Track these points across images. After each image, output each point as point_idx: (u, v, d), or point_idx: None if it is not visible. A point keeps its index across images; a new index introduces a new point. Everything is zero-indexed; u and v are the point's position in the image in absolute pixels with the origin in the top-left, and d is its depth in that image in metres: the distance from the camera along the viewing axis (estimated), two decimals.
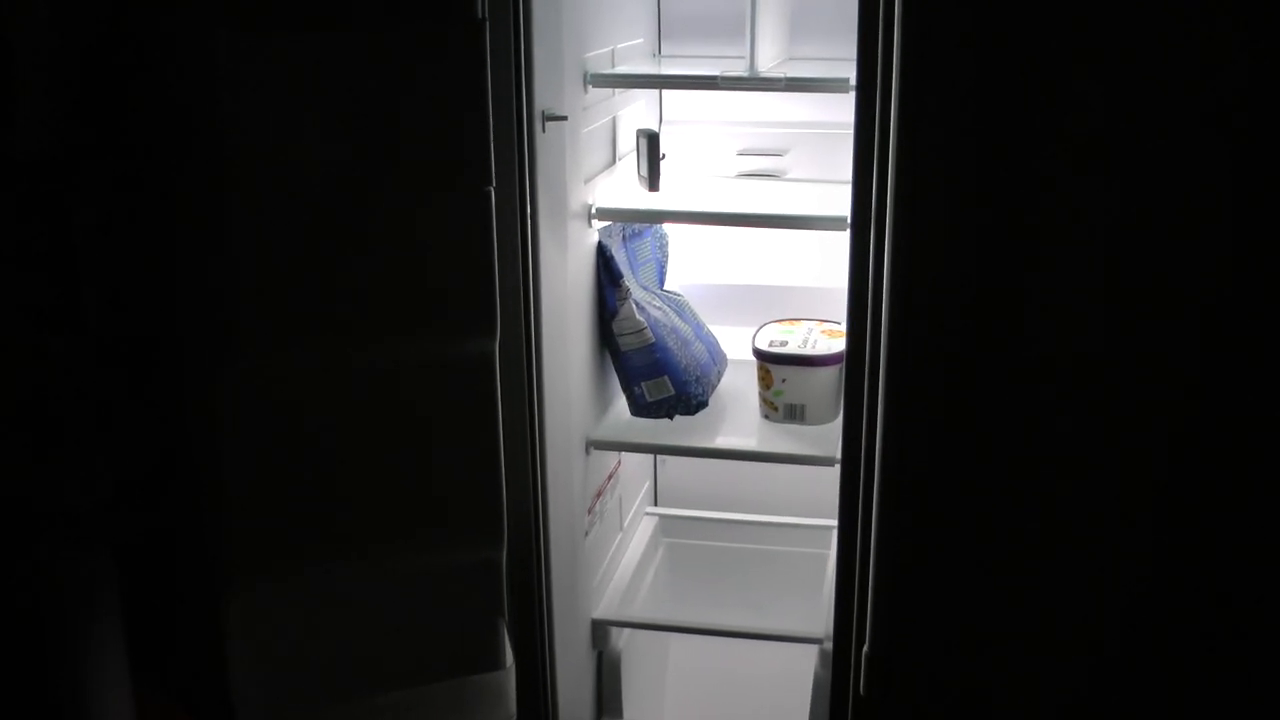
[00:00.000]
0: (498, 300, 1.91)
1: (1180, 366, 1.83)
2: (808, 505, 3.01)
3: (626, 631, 2.78)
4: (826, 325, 2.74)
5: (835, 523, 2.12)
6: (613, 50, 2.58)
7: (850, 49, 1.86)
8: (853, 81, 1.90)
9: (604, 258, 2.56)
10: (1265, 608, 1.92)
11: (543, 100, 2.09)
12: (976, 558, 1.98)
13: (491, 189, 1.86)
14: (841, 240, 2.01)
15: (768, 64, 2.41)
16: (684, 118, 3.00)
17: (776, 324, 2.76)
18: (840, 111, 2.03)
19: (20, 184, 1.79)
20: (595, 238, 2.55)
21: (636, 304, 2.58)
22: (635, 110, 2.84)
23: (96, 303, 1.88)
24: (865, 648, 2.01)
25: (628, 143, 2.76)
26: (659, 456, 3.25)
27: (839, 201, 2.20)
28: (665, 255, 2.88)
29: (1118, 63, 1.72)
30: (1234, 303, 1.79)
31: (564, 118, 2.18)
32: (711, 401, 2.69)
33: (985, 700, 2.06)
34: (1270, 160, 1.72)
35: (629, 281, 2.61)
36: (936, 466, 1.94)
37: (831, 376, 2.58)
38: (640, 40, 2.81)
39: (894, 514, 1.93)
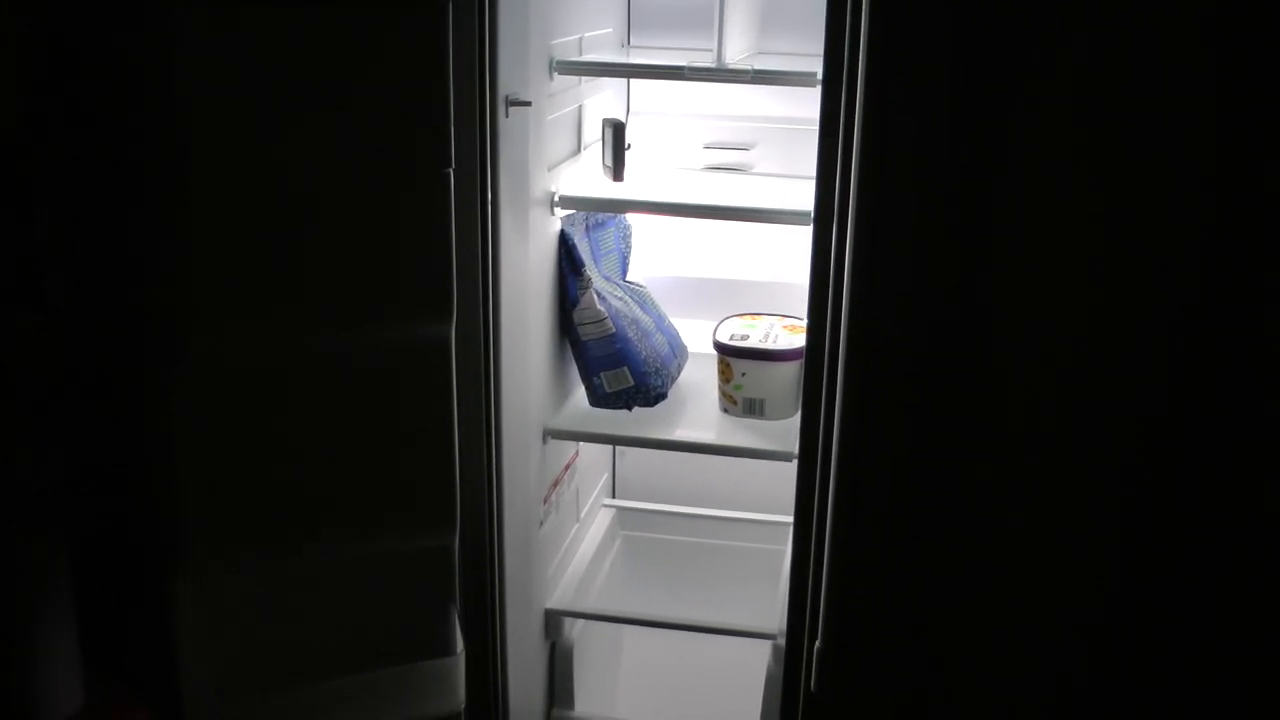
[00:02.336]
0: (454, 284, 1.90)
1: (1154, 365, 1.83)
2: (766, 501, 3.01)
3: (580, 623, 2.78)
4: (788, 320, 2.73)
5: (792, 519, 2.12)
6: (580, 38, 2.57)
7: (819, 45, 1.85)
8: (819, 75, 1.89)
9: (566, 246, 2.55)
10: (1222, 624, 1.93)
11: (507, 85, 2.07)
12: (930, 557, 1.97)
13: (450, 171, 1.85)
14: (805, 235, 2.00)
15: (736, 57, 2.40)
16: (651, 109, 2.99)
17: (738, 318, 2.75)
18: (808, 107, 2.03)
19: None
20: (558, 226, 2.54)
21: (598, 294, 2.57)
22: (602, 100, 2.83)
23: (57, 283, 1.87)
24: (817, 643, 2.00)
25: (593, 132, 2.75)
26: (618, 449, 3.25)
27: (804, 196, 2.20)
28: (628, 246, 2.87)
29: (1090, 58, 1.71)
30: (1211, 304, 1.79)
31: (528, 103, 2.16)
32: (671, 394, 2.69)
33: (935, 699, 2.06)
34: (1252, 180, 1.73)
35: (591, 271, 2.60)
36: (894, 464, 1.93)
37: (792, 372, 2.57)
38: (609, 30, 2.80)
39: (849, 511, 1.92)
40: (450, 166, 1.85)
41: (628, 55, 2.86)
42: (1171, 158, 1.74)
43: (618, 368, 2.57)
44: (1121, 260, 1.79)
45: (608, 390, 2.60)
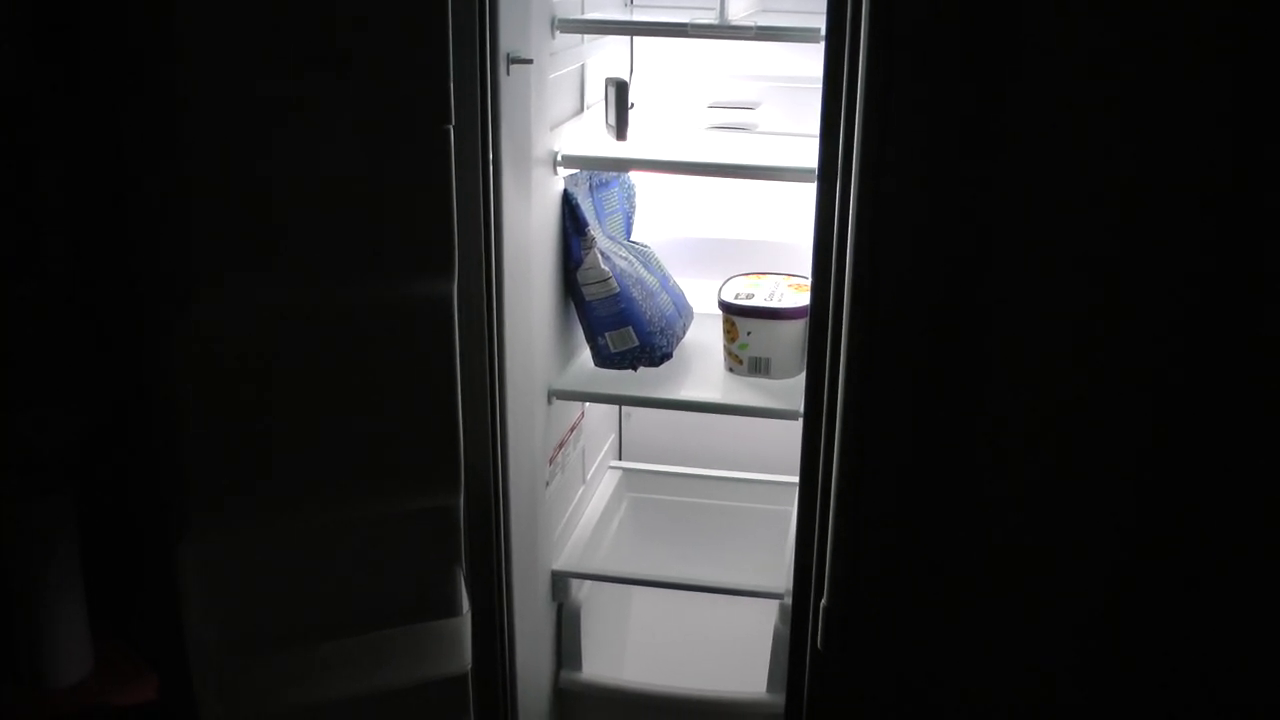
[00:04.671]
0: (455, 240, 1.90)
1: (1165, 323, 1.82)
2: (773, 462, 3.00)
3: (587, 584, 2.78)
4: (794, 279, 2.72)
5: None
6: None
7: (823, 3, 1.83)
8: (823, 31, 1.88)
9: (569, 206, 2.54)
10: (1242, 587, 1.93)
11: (508, 42, 2.06)
12: (936, 515, 1.97)
13: (450, 127, 1.85)
14: (811, 194, 1.98)
15: (740, 14, 2.38)
16: (655, 68, 2.97)
17: (743, 277, 2.74)
18: (813, 64, 2.01)
19: None
20: (561, 186, 2.53)
21: (602, 253, 2.56)
22: (605, 58, 2.82)
23: (59, 249, 1.87)
24: (823, 601, 2.00)
25: (596, 92, 2.73)
26: (624, 411, 3.25)
27: (809, 154, 2.18)
28: (632, 206, 2.86)
29: (1100, 11, 1.70)
30: (1228, 284, 1.79)
31: (529, 61, 2.15)
32: (676, 354, 2.68)
33: (941, 657, 2.06)
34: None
35: (595, 231, 2.59)
36: (899, 422, 1.93)
37: (797, 330, 2.56)
38: None
39: (854, 468, 1.91)
40: (450, 123, 1.84)
41: (630, 13, 2.84)
42: (1185, 137, 1.73)
43: (622, 328, 2.56)
44: (1135, 229, 1.78)
45: (613, 350, 2.59)
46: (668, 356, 2.63)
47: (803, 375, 2.07)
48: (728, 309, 2.62)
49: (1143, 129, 1.74)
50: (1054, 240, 1.80)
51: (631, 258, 2.70)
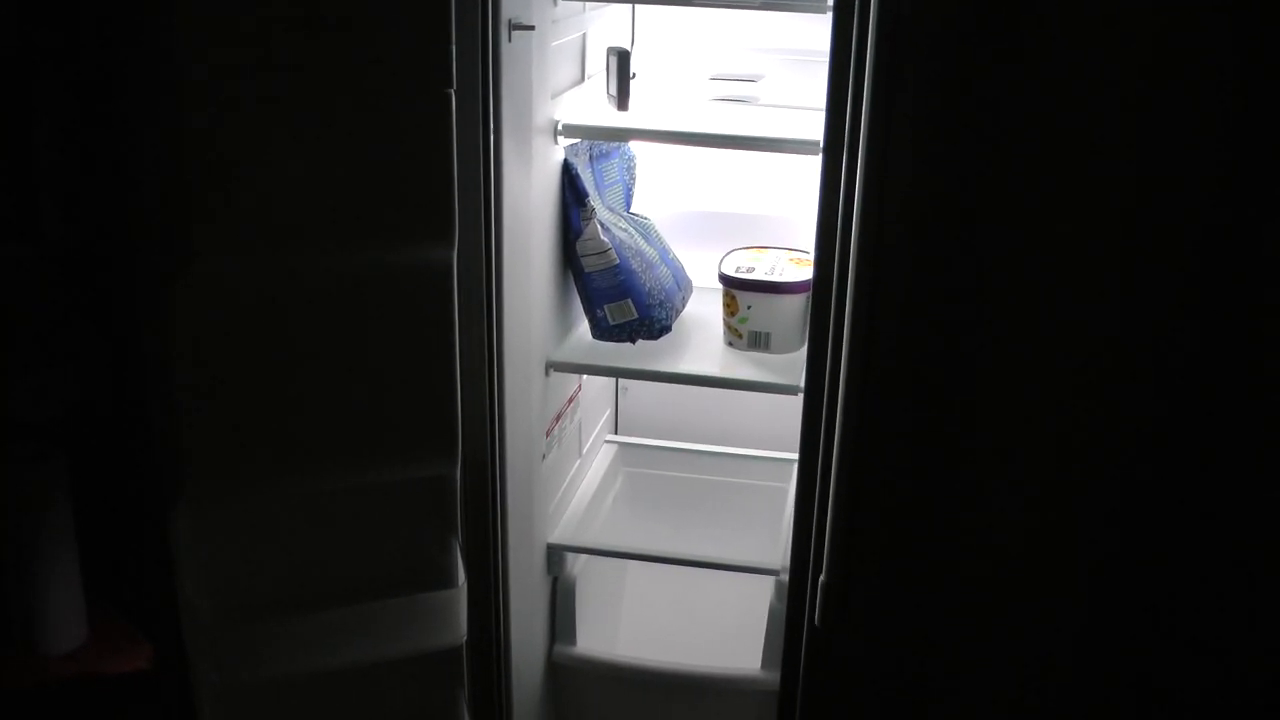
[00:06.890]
0: (456, 207, 1.88)
1: (1161, 287, 1.82)
2: (770, 438, 3.00)
3: (582, 558, 2.77)
4: (795, 254, 2.71)
5: (797, 455, 2.10)
6: None
7: None
8: (829, 1, 1.86)
9: (569, 176, 2.52)
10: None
11: (509, 8, 2.05)
12: (935, 492, 1.97)
13: (451, 92, 1.83)
14: (812, 168, 1.97)
15: None
16: (657, 39, 2.95)
17: (744, 250, 2.73)
18: (817, 37, 2.00)
19: None
20: (561, 155, 2.51)
21: (601, 224, 2.55)
22: (606, 27, 2.80)
23: (53, 212, 1.87)
24: (821, 577, 1.99)
25: (597, 61, 2.71)
26: (621, 385, 3.24)
27: (812, 127, 2.17)
28: (633, 178, 2.85)
29: None
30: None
31: (531, 27, 2.14)
32: (675, 327, 2.67)
33: (939, 635, 2.06)
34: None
35: (594, 202, 2.57)
36: (900, 398, 1.92)
37: (797, 305, 2.55)
38: None
39: (854, 444, 1.91)
40: (451, 87, 1.83)
41: None
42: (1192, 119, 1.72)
43: (621, 300, 2.55)
44: (1144, 209, 1.77)
45: (611, 322, 2.58)
46: (666, 329, 2.62)
47: (802, 350, 2.06)
48: (728, 283, 2.61)
49: (1149, 112, 1.73)
50: (1061, 216, 1.80)
51: (631, 229, 2.68)
